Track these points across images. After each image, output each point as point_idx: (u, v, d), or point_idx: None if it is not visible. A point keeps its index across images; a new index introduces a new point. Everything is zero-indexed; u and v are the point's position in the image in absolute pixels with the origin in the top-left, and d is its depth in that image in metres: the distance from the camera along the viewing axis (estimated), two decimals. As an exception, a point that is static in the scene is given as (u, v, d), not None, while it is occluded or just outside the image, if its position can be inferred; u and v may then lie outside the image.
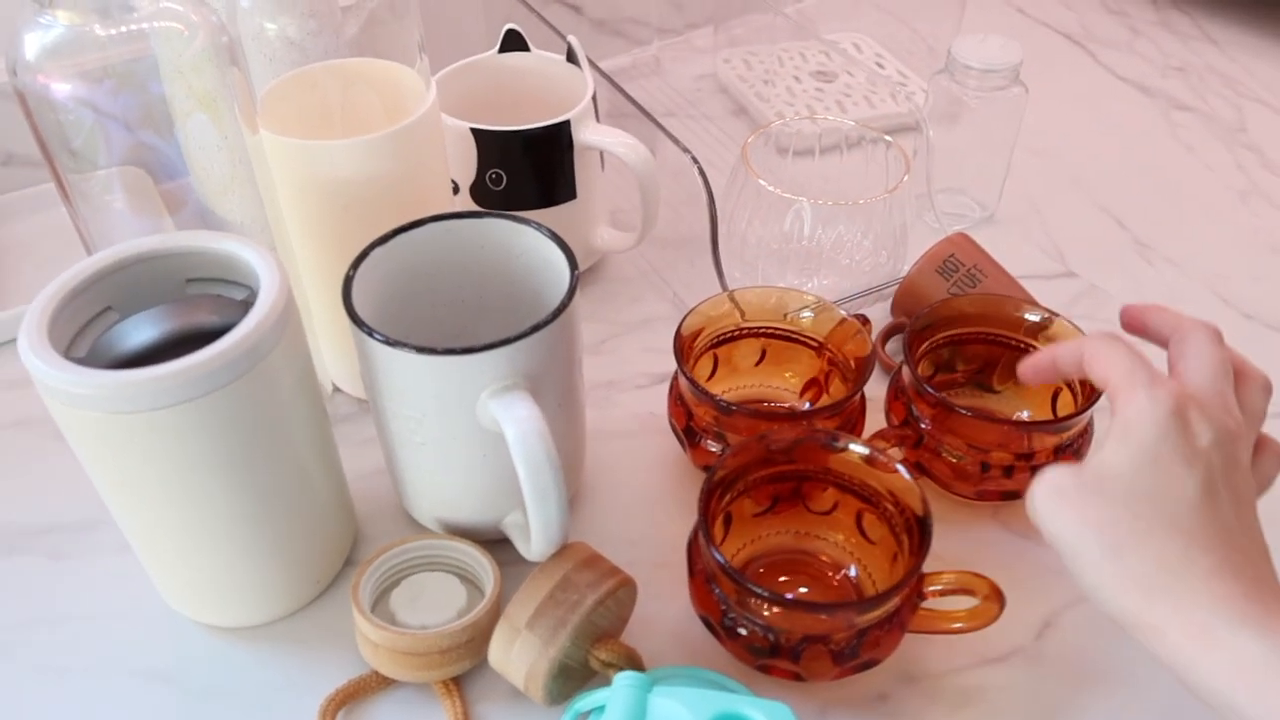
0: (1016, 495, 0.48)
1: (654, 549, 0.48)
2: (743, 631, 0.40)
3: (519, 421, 0.38)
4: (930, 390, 0.46)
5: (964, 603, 0.41)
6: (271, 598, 0.45)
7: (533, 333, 0.40)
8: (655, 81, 0.84)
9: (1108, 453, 0.36)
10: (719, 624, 0.41)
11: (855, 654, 0.40)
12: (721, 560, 0.38)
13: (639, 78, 0.85)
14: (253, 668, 0.44)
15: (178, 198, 0.46)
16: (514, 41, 0.62)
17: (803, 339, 0.52)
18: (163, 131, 0.42)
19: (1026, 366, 0.42)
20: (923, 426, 0.48)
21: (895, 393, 0.50)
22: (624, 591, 0.41)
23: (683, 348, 0.49)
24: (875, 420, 0.52)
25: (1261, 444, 0.39)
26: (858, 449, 0.44)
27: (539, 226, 0.45)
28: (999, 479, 0.47)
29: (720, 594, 0.41)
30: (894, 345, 0.59)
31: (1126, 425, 0.36)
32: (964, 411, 0.46)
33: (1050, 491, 0.36)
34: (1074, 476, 0.36)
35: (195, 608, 0.45)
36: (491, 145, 0.56)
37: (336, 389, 0.56)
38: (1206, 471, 0.35)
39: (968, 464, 0.47)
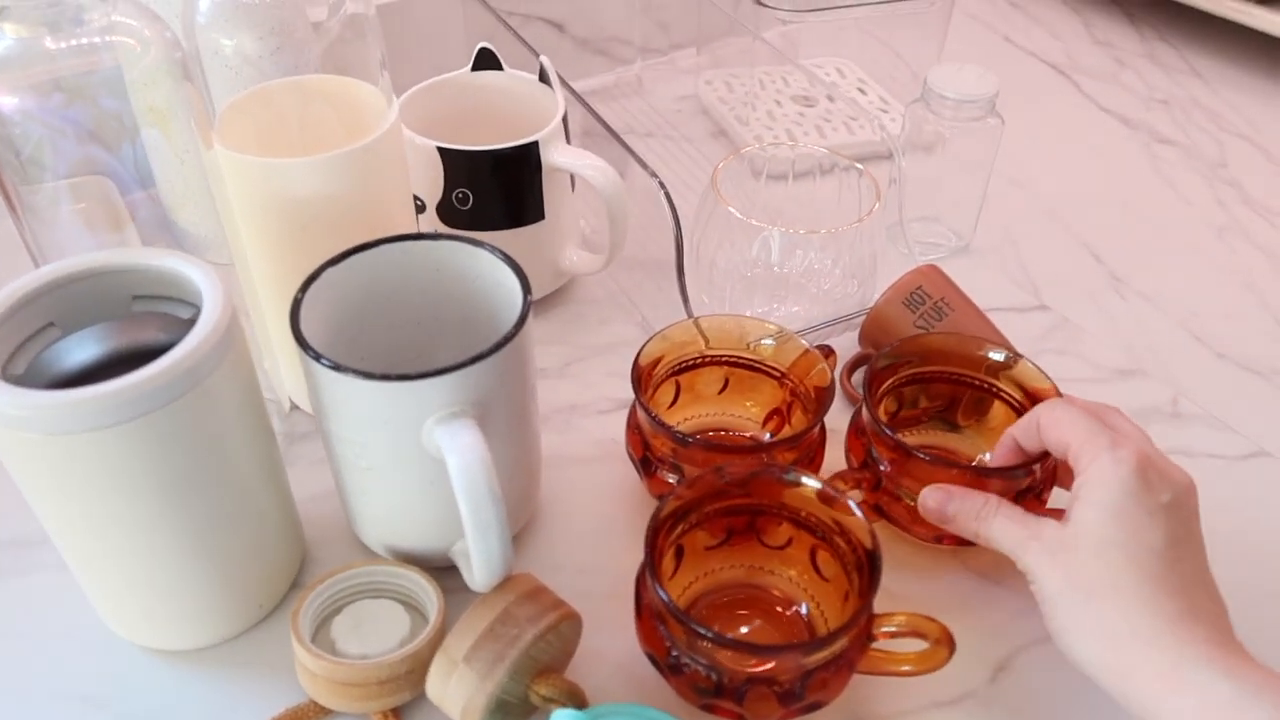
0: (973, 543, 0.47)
1: (607, 579, 0.47)
2: (688, 670, 0.39)
3: (461, 451, 0.38)
4: (889, 433, 0.45)
5: (915, 645, 0.41)
6: (212, 621, 0.44)
7: (480, 359, 0.39)
8: (637, 102, 0.84)
9: (1075, 514, 0.39)
10: (664, 662, 0.40)
11: (801, 696, 0.39)
12: (666, 599, 0.38)
13: (621, 97, 0.84)
14: (190, 693, 0.43)
15: (132, 211, 0.45)
16: (487, 60, 0.61)
17: (765, 369, 0.52)
18: (112, 146, 0.42)
19: (995, 459, 0.45)
20: (881, 469, 0.47)
21: (856, 431, 0.50)
22: (567, 625, 0.40)
23: (640, 377, 0.48)
24: (836, 453, 0.51)
25: None
26: (811, 484, 0.43)
27: (494, 250, 0.44)
28: None
29: (665, 632, 0.40)
30: (860, 377, 0.59)
31: (1091, 486, 0.39)
32: (922, 456, 0.45)
33: (1034, 548, 0.39)
34: (1053, 529, 0.39)
35: (133, 630, 0.44)
36: (458, 165, 0.56)
37: (295, 406, 0.55)
38: (1168, 524, 0.38)
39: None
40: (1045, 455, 0.44)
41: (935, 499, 0.43)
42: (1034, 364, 0.49)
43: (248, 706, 0.42)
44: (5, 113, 0.39)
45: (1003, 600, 0.47)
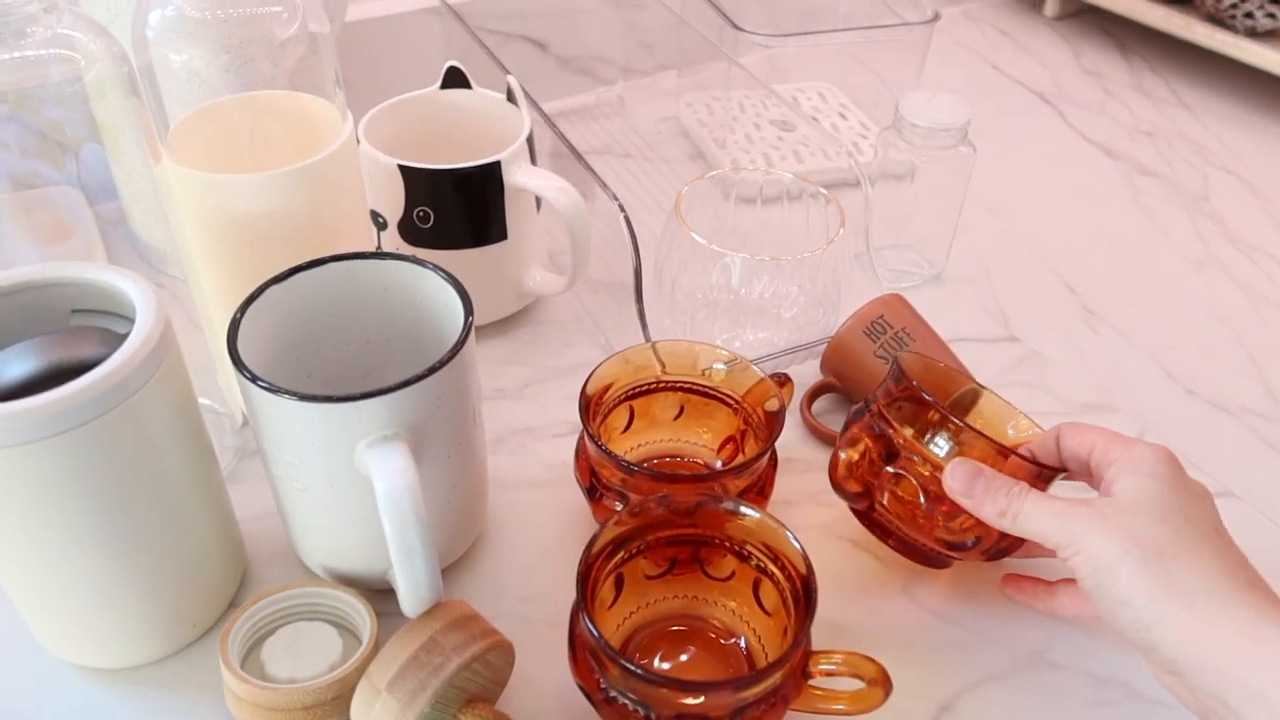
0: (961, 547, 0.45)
1: (549, 606, 0.47)
2: (619, 704, 0.39)
3: (389, 475, 0.37)
4: (929, 397, 0.44)
5: (853, 684, 0.40)
6: (143, 640, 0.43)
7: (415, 382, 0.39)
8: (617, 122, 0.84)
9: (1125, 485, 0.40)
10: (596, 696, 0.40)
11: None
12: (596, 635, 0.37)
13: (602, 117, 0.84)
14: (118, 713, 0.42)
15: (78, 225, 0.45)
16: (455, 78, 0.61)
17: (720, 396, 0.51)
18: (56, 159, 0.42)
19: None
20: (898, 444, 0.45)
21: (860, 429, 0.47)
22: (497, 654, 0.40)
23: (589, 404, 0.48)
24: (788, 481, 0.51)
25: None
26: (752, 514, 0.42)
27: (438, 270, 0.44)
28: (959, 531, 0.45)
29: (598, 667, 0.39)
30: (820, 405, 0.58)
31: (1136, 462, 0.40)
32: (957, 421, 0.43)
33: (1083, 514, 0.39)
34: (1101, 500, 0.40)
35: (64, 647, 0.43)
36: (419, 183, 0.56)
37: (247, 421, 0.55)
38: (1212, 509, 0.40)
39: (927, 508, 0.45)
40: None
41: (963, 472, 0.42)
42: (998, 395, 0.49)
43: (177, 727, 0.42)
44: (-55, 124, 0.39)
45: (952, 637, 0.46)
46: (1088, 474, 0.44)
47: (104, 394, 0.36)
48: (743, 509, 0.42)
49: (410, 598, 0.39)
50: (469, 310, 0.42)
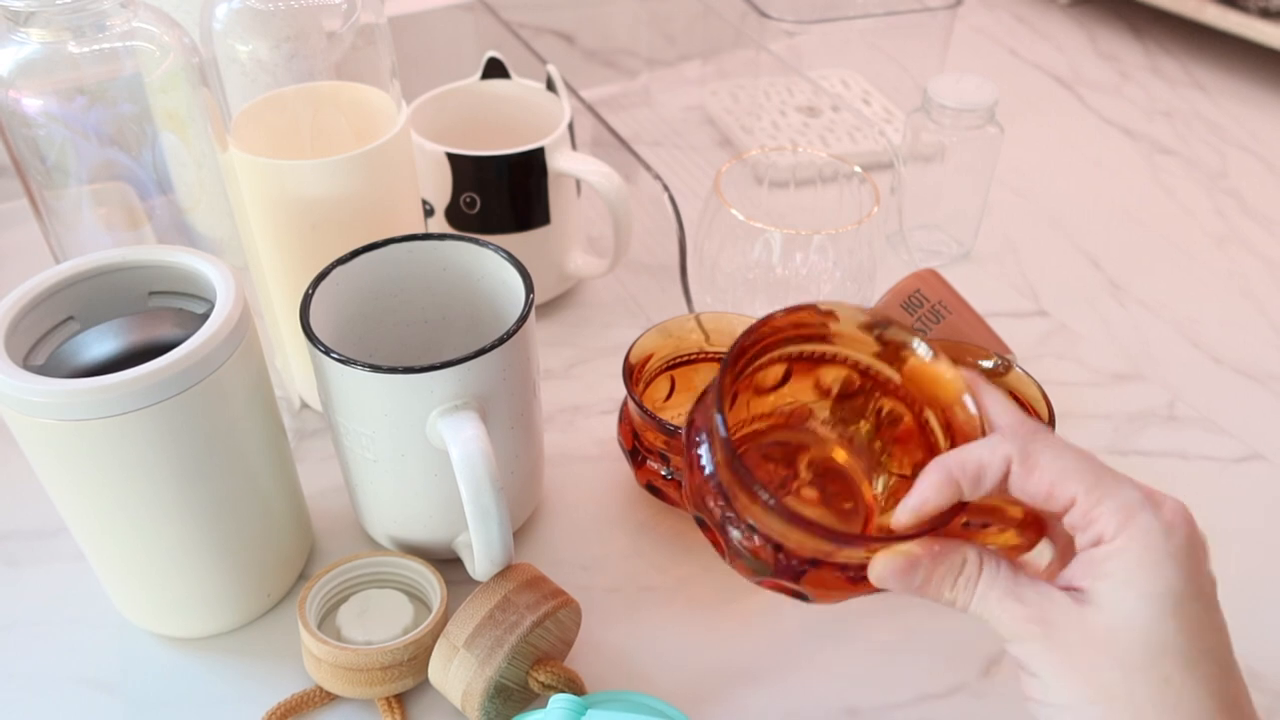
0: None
1: (607, 572, 0.49)
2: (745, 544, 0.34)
3: (464, 442, 0.39)
4: None
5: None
6: (221, 609, 0.45)
7: (483, 353, 0.40)
8: (644, 111, 0.85)
9: (1109, 600, 0.29)
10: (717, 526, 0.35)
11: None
12: (726, 434, 0.32)
13: (629, 107, 0.86)
14: (199, 679, 0.44)
15: (149, 214, 0.47)
16: (495, 69, 0.63)
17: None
18: (132, 149, 0.43)
19: (915, 499, 0.32)
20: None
21: None
22: (565, 613, 0.41)
23: (630, 372, 0.49)
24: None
25: None
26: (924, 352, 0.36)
27: (498, 249, 0.45)
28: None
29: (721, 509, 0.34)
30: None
31: (1131, 564, 0.29)
32: None
33: (1039, 635, 0.30)
34: (1070, 615, 0.29)
35: (146, 617, 0.45)
36: (466, 169, 0.57)
37: (305, 405, 0.57)
38: (1226, 640, 0.29)
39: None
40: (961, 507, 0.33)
41: (893, 569, 0.31)
42: (1025, 371, 0.50)
43: (255, 693, 0.43)
44: (30, 115, 0.41)
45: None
46: (1056, 519, 0.32)
47: (189, 369, 0.38)
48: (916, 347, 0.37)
49: (484, 559, 0.41)
50: (529, 286, 0.44)
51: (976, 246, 0.71)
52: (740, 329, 0.52)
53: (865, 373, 0.38)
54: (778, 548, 0.33)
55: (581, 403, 0.58)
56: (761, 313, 0.56)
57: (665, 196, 0.56)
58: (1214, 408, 0.59)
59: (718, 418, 0.33)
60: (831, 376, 0.39)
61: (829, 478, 0.40)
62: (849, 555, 0.33)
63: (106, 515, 0.40)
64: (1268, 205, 0.76)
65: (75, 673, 0.44)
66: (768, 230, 0.57)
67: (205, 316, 0.42)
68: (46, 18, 0.39)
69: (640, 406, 0.48)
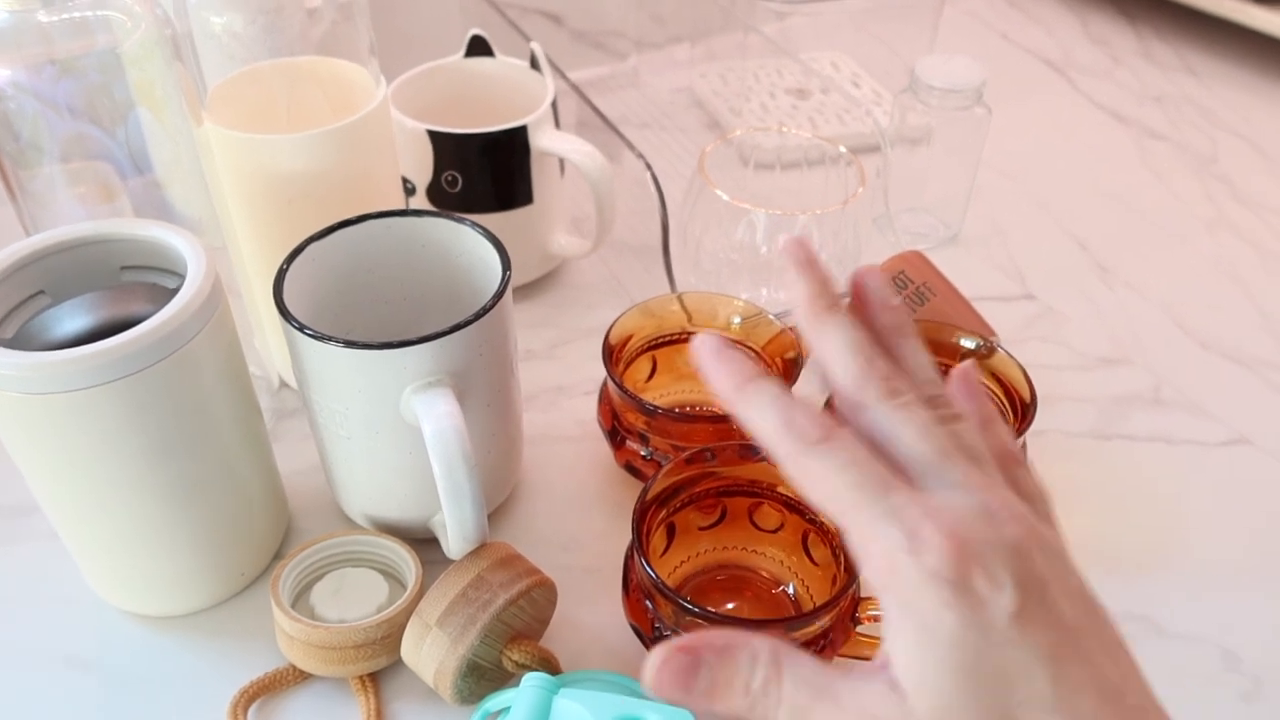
0: None
1: (586, 554, 0.48)
2: None
3: (437, 418, 0.38)
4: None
5: None
6: (194, 588, 0.45)
7: (458, 329, 0.40)
8: (632, 93, 0.85)
9: (895, 668, 0.25)
10: (649, 637, 0.41)
11: None
12: (653, 575, 0.38)
13: (617, 89, 0.85)
14: (172, 657, 0.44)
15: (124, 193, 0.46)
16: (479, 47, 0.62)
17: (742, 348, 0.52)
18: (105, 123, 0.43)
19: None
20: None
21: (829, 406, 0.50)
22: (540, 592, 0.41)
23: (610, 352, 0.49)
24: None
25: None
26: None
27: (476, 226, 0.45)
28: None
29: (652, 607, 0.40)
30: (844, 360, 0.59)
31: (899, 623, 0.25)
32: None
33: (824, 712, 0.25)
34: (891, 710, 0.25)
35: (119, 595, 0.45)
36: (447, 147, 0.57)
37: (284, 384, 0.56)
38: (1037, 638, 0.24)
39: None
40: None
41: (673, 669, 0.26)
42: (1009, 353, 0.50)
43: (229, 671, 0.43)
44: (1, 85, 0.40)
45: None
46: None
47: (158, 343, 0.37)
48: None
49: (457, 538, 0.40)
50: (507, 263, 0.43)
51: (964, 229, 0.70)
52: (722, 309, 0.51)
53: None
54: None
55: (564, 383, 0.58)
56: (745, 294, 0.56)
57: (648, 175, 0.55)
58: (1200, 392, 0.58)
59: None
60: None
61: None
62: None
63: (76, 492, 0.40)
64: (1258, 191, 0.76)
65: (50, 649, 0.44)
66: (752, 211, 0.57)
67: (175, 291, 0.42)
68: (18, -15, 0.39)
69: (619, 386, 0.47)
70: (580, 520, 0.50)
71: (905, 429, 0.27)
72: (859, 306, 0.31)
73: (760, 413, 0.27)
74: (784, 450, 0.27)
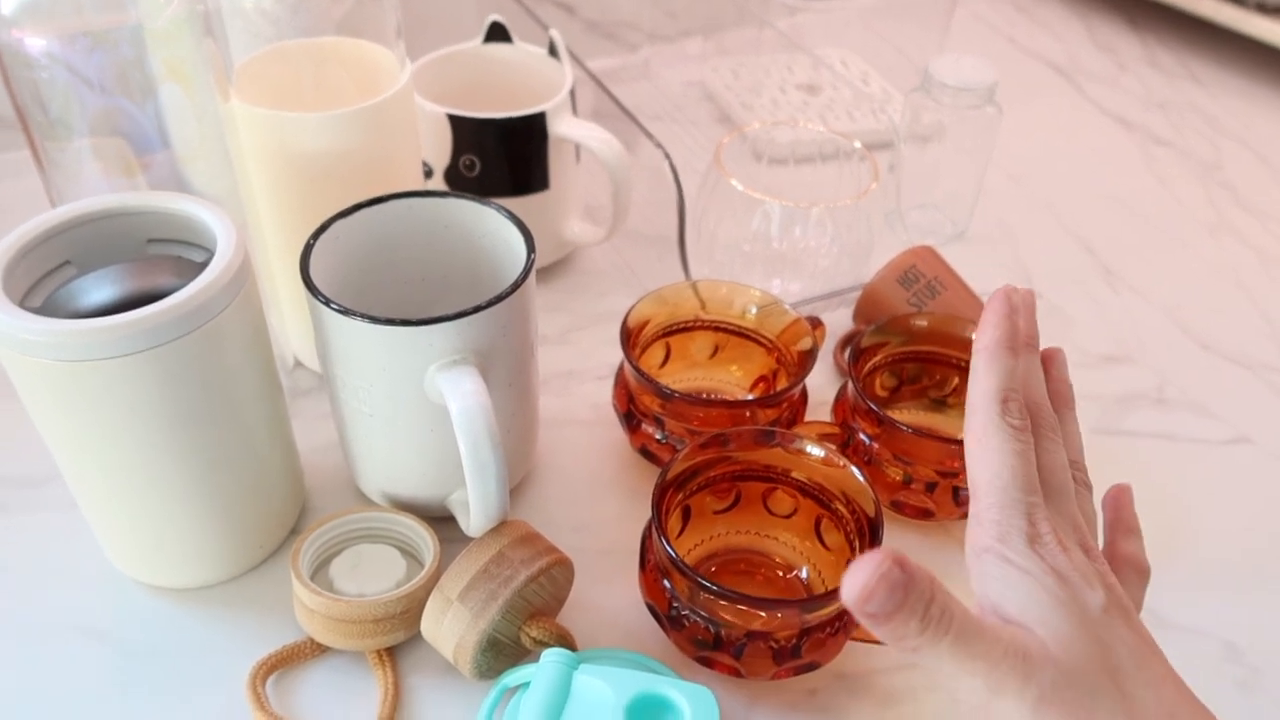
0: (931, 515, 0.48)
1: (599, 535, 0.49)
2: (688, 624, 0.40)
3: (463, 396, 0.39)
4: (869, 404, 0.47)
5: None
6: (213, 560, 0.45)
7: (484, 309, 0.40)
8: (643, 85, 0.85)
9: (1030, 619, 0.30)
10: (665, 614, 0.41)
11: (797, 654, 0.40)
12: (672, 553, 0.39)
13: (628, 81, 0.86)
14: (189, 629, 0.44)
15: (151, 165, 0.46)
16: (498, 33, 0.62)
17: (755, 336, 0.53)
18: (134, 97, 0.43)
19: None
20: (862, 439, 0.48)
21: (841, 403, 0.51)
22: (559, 570, 0.42)
23: (628, 336, 0.49)
24: (817, 417, 0.53)
25: (1115, 563, 0.37)
26: (816, 451, 0.44)
27: (500, 208, 0.45)
28: (920, 494, 0.48)
29: (669, 586, 0.41)
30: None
31: (1018, 583, 0.31)
32: (902, 427, 0.46)
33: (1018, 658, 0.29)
34: (1054, 675, 0.29)
35: (137, 566, 0.45)
36: (466, 131, 0.57)
37: (299, 363, 0.56)
38: (1123, 626, 0.31)
39: (891, 473, 0.48)
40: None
41: (888, 583, 0.27)
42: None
43: (246, 643, 0.43)
44: (33, 56, 0.40)
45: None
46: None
47: (188, 314, 0.38)
48: (809, 447, 0.44)
49: (480, 514, 0.41)
50: (531, 245, 0.44)
51: (971, 228, 0.71)
52: (738, 298, 0.52)
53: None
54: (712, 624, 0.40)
55: (576, 368, 0.58)
56: (759, 285, 0.57)
57: (666, 164, 0.56)
58: (1202, 392, 0.59)
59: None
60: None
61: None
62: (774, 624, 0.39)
63: (101, 461, 0.40)
64: (1260, 198, 0.77)
65: (66, 620, 0.44)
66: (767, 202, 0.57)
67: (204, 265, 0.42)
68: (51, -44, 0.39)
69: (636, 369, 0.48)
70: (593, 503, 0.51)
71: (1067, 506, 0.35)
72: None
73: (994, 375, 0.35)
74: (985, 412, 0.34)
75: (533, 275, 0.43)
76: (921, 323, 0.52)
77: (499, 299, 0.41)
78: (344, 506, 0.49)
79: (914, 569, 0.28)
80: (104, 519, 0.43)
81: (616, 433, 0.53)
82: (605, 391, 0.56)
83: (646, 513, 0.49)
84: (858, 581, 0.27)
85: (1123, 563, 0.37)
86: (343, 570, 0.43)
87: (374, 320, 0.40)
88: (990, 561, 0.31)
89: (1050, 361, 0.40)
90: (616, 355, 0.58)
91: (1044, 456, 0.35)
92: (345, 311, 0.40)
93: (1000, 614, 0.31)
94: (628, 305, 0.51)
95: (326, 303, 0.41)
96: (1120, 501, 0.39)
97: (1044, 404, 0.37)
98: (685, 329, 0.54)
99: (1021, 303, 0.38)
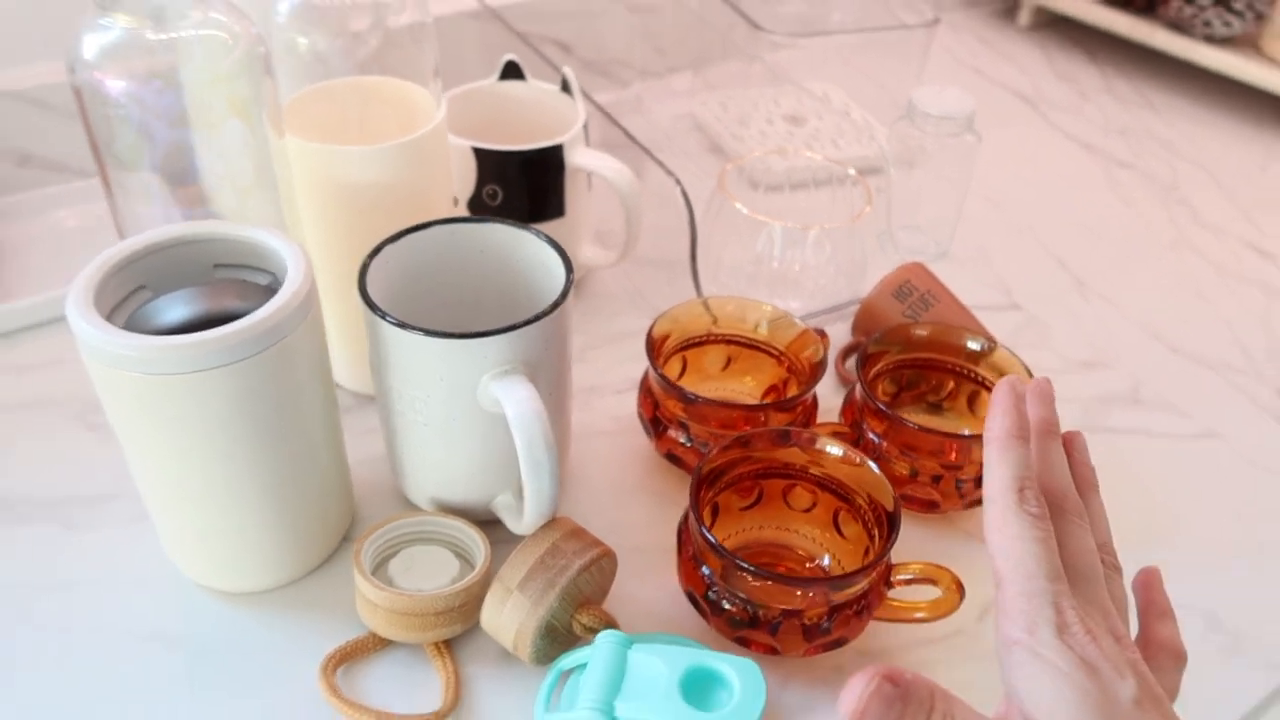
0: (936, 506, 0.52)
1: (630, 534, 0.52)
2: (725, 606, 0.44)
3: (519, 401, 0.42)
4: (877, 403, 0.51)
5: (927, 594, 0.45)
6: (276, 565, 0.48)
7: (534, 321, 0.44)
8: (636, 119, 0.90)
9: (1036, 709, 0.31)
10: (703, 598, 0.45)
11: (827, 631, 0.44)
12: (711, 539, 0.42)
13: (622, 114, 0.89)
14: (254, 630, 0.47)
15: (213, 195, 0.49)
16: (512, 71, 0.67)
17: (765, 348, 0.57)
18: (201, 131, 0.46)
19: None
20: (870, 438, 0.52)
21: (849, 408, 0.55)
22: (606, 561, 0.45)
23: (653, 346, 0.53)
24: (826, 420, 0.57)
25: (1150, 648, 0.38)
26: (833, 449, 0.48)
27: (537, 232, 0.49)
28: (926, 486, 0.52)
29: (707, 571, 0.44)
30: (853, 362, 0.64)
31: (1039, 677, 0.31)
32: (908, 422, 0.50)
33: None
34: None
35: (204, 572, 0.48)
36: (490, 163, 0.61)
37: (338, 385, 0.59)
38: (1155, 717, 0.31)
39: (898, 468, 0.52)
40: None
41: (880, 699, 0.30)
42: (1009, 350, 0.55)
43: (307, 642, 0.46)
44: (112, 96, 0.44)
45: (983, 556, 0.52)
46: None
47: (266, 332, 0.41)
48: (827, 446, 0.48)
49: (534, 511, 0.44)
50: (569, 266, 0.48)
51: (953, 248, 0.76)
52: (748, 313, 0.56)
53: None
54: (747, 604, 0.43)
55: (596, 383, 0.62)
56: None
57: (678, 190, 0.60)
58: (1173, 392, 0.64)
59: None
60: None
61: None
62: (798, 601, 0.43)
63: (183, 470, 0.43)
64: (1216, 215, 0.83)
65: (136, 627, 0.47)
66: (769, 224, 0.62)
67: (268, 288, 0.46)
68: (132, 4, 0.42)
69: (661, 376, 0.52)
70: (622, 506, 0.54)
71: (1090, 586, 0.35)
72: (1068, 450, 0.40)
73: (1006, 465, 0.35)
74: (1003, 502, 0.34)
75: (571, 293, 0.47)
76: (922, 332, 0.56)
77: (545, 314, 0.45)
78: (386, 513, 0.52)
79: (909, 682, 0.30)
80: (176, 526, 0.46)
81: (638, 441, 0.57)
82: (624, 404, 0.60)
83: (673, 513, 0.53)
84: (849, 699, 0.29)
85: (1157, 648, 0.37)
86: (400, 570, 0.47)
87: (431, 333, 0.43)
88: (1019, 654, 0.32)
89: (1071, 445, 0.41)
90: (632, 371, 0.62)
91: (1071, 541, 0.35)
92: (404, 325, 0.44)
93: (1026, 711, 0.31)
94: (639, 325, 0.54)
95: (383, 316, 0.44)
96: (1150, 584, 0.40)
97: (1069, 489, 0.37)
98: (700, 343, 0.58)
99: (1041, 393, 0.39)
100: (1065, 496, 0.37)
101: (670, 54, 0.94)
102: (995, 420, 0.36)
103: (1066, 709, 0.30)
